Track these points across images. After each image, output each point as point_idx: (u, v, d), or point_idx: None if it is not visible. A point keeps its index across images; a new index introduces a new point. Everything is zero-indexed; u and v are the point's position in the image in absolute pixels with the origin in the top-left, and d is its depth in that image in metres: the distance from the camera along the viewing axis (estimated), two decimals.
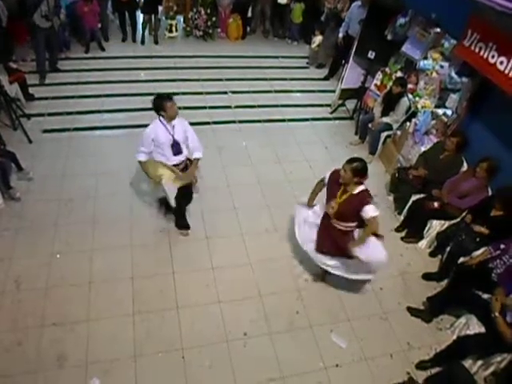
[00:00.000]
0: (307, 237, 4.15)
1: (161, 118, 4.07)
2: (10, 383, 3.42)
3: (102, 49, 8.38)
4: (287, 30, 9.97)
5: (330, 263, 4.07)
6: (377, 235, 3.84)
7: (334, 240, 3.92)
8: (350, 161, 3.63)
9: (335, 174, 3.78)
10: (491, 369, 3.77)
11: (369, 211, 3.61)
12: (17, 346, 3.65)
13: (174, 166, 4.27)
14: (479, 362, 3.76)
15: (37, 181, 5.24)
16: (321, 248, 4.03)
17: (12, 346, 3.65)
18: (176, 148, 4.19)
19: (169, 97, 4.02)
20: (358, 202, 3.66)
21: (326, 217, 3.94)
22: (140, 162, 4.24)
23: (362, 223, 3.81)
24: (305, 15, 9.30)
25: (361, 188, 3.71)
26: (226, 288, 4.34)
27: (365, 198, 3.67)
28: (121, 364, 3.62)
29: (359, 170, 3.61)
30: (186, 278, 4.38)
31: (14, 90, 6.06)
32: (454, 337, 3.99)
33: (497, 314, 3.57)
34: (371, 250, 3.79)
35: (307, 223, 4.17)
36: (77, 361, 3.60)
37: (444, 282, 4.61)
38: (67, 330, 3.80)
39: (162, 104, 3.98)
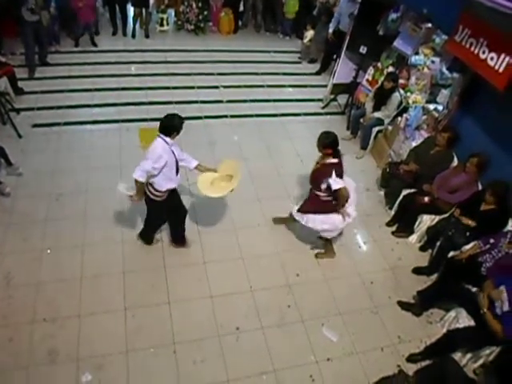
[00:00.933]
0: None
1: (167, 138, 3.76)
2: (2, 379, 3.40)
3: (95, 44, 8.26)
4: (279, 24, 9.95)
5: (313, 223, 4.38)
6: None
7: (316, 204, 4.27)
8: (320, 135, 4.00)
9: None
10: (480, 361, 3.83)
11: (332, 184, 3.90)
12: (8, 342, 3.63)
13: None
14: (468, 355, 3.81)
15: (26, 176, 5.20)
16: (303, 209, 4.42)
17: (3, 341, 3.63)
18: (177, 167, 3.98)
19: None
20: (322, 172, 4.00)
21: (311, 189, 4.32)
22: (137, 182, 3.81)
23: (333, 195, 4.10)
24: (297, 10, 9.28)
25: (331, 160, 3.98)
26: (218, 283, 4.34)
27: (328, 170, 3.92)
28: (112, 359, 3.62)
29: (327, 143, 3.94)
30: (178, 273, 4.37)
31: (2, 83, 5.99)
32: (444, 330, 4.03)
33: (485, 309, 3.62)
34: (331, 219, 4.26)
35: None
36: (68, 356, 3.59)
37: (434, 276, 4.65)
38: (58, 326, 3.79)
39: (180, 126, 3.79)
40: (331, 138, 3.95)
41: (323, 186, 4.03)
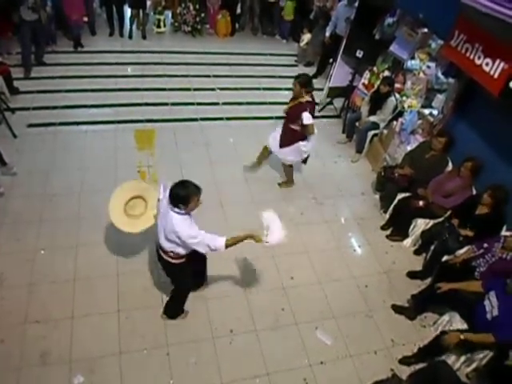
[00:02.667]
0: (274, 144, 5.28)
1: (176, 209, 3.15)
2: None
3: (81, 45, 8.08)
4: (276, 27, 9.97)
5: (280, 153, 5.25)
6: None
7: (287, 134, 5.06)
8: (297, 77, 4.75)
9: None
10: (473, 365, 3.82)
11: (304, 118, 4.70)
12: None
13: None
14: (462, 359, 3.81)
15: (21, 176, 5.17)
16: (281, 144, 5.15)
17: None
18: None
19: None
20: (300, 109, 4.73)
21: (285, 121, 5.08)
22: (226, 244, 3.32)
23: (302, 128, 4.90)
24: (295, 13, 9.30)
25: (307, 99, 4.76)
26: (212, 285, 4.33)
27: (305, 106, 4.72)
28: (105, 361, 3.60)
29: (304, 82, 4.70)
30: None
31: None
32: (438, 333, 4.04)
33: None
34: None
35: (275, 136, 5.28)
36: (61, 358, 3.57)
37: (428, 280, 4.67)
38: (51, 327, 3.77)
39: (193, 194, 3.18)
40: (309, 78, 4.79)
41: (299, 121, 4.78)
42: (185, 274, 3.58)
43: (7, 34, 7.43)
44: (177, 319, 3.98)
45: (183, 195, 3.09)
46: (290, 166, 5.47)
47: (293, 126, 4.92)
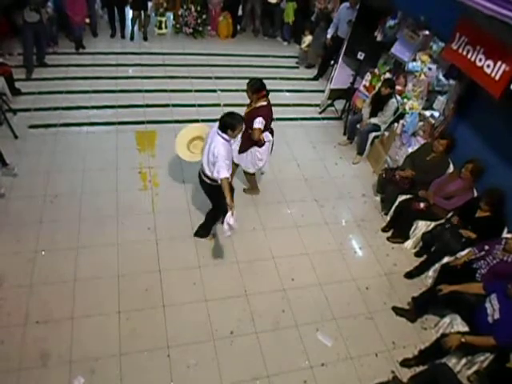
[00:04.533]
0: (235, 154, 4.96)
1: (224, 135, 3.96)
2: None
3: (82, 47, 8.13)
4: (278, 29, 9.98)
5: (241, 161, 5.08)
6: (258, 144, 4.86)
7: (244, 140, 4.85)
8: (248, 82, 4.61)
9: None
10: (474, 368, 3.82)
11: (255, 123, 4.57)
12: None
13: None
14: (463, 361, 3.81)
15: (22, 177, 5.17)
16: (241, 149, 4.97)
17: None
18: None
19: None
20: (254, 114, 4.61)
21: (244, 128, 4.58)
22: (226, 180, 3.90)
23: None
24: (296, 15, 9.31)
25: (261, 103, 4.65)
26: (213, 287, 4.33)
27: (259, 112, 4.60)
28: (106, 362, 3.59)
29: (256, 87, 4.57)
30: (173, 277, 4.36)
31: (0, 84, 5.97)
32: (438, 335, 4.03)
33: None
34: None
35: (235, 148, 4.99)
36: (61, 359, 3.57)
37: (423, 276, 4.72)
38: (51, 328, 3.76)
39: (238, 124, 4.00)
40: (260, 83, 4.59)
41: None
42: (220, 196, 4.03)
43: (9, 35, 7.44)
44: (205, 238, 4.78)
45: (232, 122, 3.90)
46: (251, 174, 5.27)
47: (250, 132, 4.70)
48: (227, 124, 3.91)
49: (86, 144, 5.88)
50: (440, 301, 4.04)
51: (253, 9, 9.58)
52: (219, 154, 3.87)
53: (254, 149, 4.90)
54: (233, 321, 4.07)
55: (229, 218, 3.89)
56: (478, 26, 4.35)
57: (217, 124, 4.00)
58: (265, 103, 4.67)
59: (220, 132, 3.95)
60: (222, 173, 3.86)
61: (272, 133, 5.00)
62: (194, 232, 4.82)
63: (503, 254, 3.93)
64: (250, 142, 4.79)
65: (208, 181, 4.22)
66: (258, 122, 4.57)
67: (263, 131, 4.72)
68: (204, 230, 4.79)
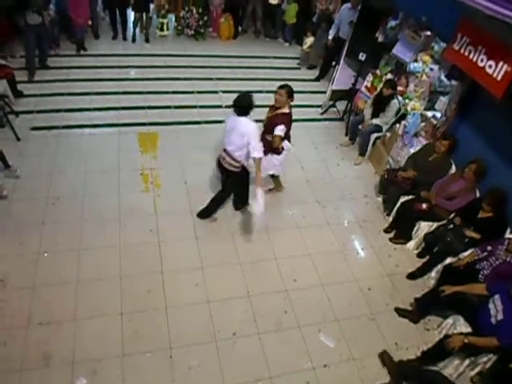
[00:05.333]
0: None
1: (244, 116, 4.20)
2: None
3: (84, 49, 8.17)
4: (279, 30, 9.99)
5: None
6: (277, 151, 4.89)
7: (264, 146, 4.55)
8: (283, 86, 4.62)
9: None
10: (477, 369, 3.81)
11: (276, 130, 4.57)
12: (2, 346, 3.60)
13: None
14: (466, 362, 3.79)
15: (24, 179, 5.18)
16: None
17: None
18: None
19: None
20: (276, 120, 4.62)
21: (262, 132, 4.73)
22: (260, 159, 4.26)
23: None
24: (297, 16, 9.32)
25: (285, 110, 4.67)
26: (215, 288, 4.33)
27: (282, 118, 4.62)
28: (108, 364, 3.60)
29: (291, 91, 4.61)
30: (175, 278, 4.36)
31: (2, 86, 5.98)
32: (441, 336, 4.02)
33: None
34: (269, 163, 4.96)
35: None
36: (63, 360, 3.57)
37: (426, 277, 4.70)
38: (54, 330, 3.76)
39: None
40: (292, 89, 4.63)
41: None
42: (235, 182, 4.53)
43: (11, 37, 7.47)
44: (205, 220, 4.99)
45: (249, 102, 4.14)
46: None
47: (268, 137, 4.71)
48: (245, 105, 4.12)
49: (88, 146, 5.89)
50: (443, 302, 4.03)
51: (254, 10, 9.59)
52: (251, 134, 4.12)
53: (272, 155, 4.91)
54: (235, 322, 4.07)
55: (260, 197, 4.20)
56: (480, 27, 4.35)
57: (232, 115, 4.24)
58: (288, 110, 4.70)
59: (242, 117, 4.17)
60: (257, 152, 4.16)
61: (289, 140, 5.00)
62: (196, 213, 4.99)
63: (506, 255, 3.92)
64: (269, 148, 4.74)
65: (234, 167, 4.43)
66: (280, 130, 4.58)
67: (283, 139, 4.73)
68: (207, 212, 4.94)
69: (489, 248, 4.10)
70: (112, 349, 3.70)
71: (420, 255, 5.00)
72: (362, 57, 6.41)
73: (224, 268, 4.55)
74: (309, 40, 8.68)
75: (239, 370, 3.70)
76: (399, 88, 6.08)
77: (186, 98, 7.23)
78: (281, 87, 4.61)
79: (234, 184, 4.73)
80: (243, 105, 4.13)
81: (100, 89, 7.09)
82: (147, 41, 8.90)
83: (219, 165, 4.59)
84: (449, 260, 4.49)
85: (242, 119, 4.15)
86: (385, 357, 3.88)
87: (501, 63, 4.13)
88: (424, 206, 4.84)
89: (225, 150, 4.44)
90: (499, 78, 4.16)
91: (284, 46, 9.89)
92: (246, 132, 4.13)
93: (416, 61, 5.95)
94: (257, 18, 9.75)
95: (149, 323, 3.93)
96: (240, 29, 9.96)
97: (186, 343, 3.83)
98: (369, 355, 3.97)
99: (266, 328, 4.07)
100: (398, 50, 6.21)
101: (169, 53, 8.61)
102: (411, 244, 5.12)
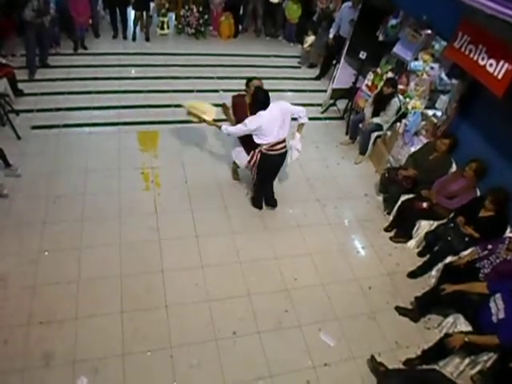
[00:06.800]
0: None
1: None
2: None
3: (84, 47, 8.21)
4: (279, 29, 9.98)
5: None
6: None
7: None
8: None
9: (239, 98, 5.07)
10: (478, 367, 3.81)
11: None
12: (2, 345, 3.60)
13: None
14: (466, 361, 3.79)
15: (25, 177, 5.18)
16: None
17: None
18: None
19: None
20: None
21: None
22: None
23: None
24: (298, 15, 9.32)
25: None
26: (216, 287, 4.33)
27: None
28: (109, 362, 3.60)
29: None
30: (175, 277, 4.36)
31: (2, 85, 5.98)
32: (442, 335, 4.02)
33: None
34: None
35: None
36: (64, 359, 3.57)
37: (427, 276, 4.71)
38: (54, 329, 3.77)
39: None
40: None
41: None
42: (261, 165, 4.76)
43: (11, 36, 7.47)
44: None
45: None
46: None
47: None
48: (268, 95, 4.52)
49: (89, 145, 5.89)
50: (443, 300, 4.03)
51: (254, 9, 9.58)
52: (289, 105, 4.60)
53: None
54: (235, 321, 4.07)
55: (297, 142, 4.81)
56: (480, 25, 4.34)
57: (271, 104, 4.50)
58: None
59: (274, 102, 4.53)
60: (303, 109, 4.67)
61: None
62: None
63: (506, 254, 3.92)
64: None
65: (286, 148, 4.76)
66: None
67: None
68: (257, 201, 5.29)
69: (489, 247, 4.10)
70: (113, 347, 3.70)
71: (420, 254, 5.00)
72: (362, 55, 6.40)
73: (224, 267, 4.55)
74: (309, 39, 8.66)
75: (239, 369, 3.71)
76: (400, 87, 6.07)
77: (186, 97, 7.20)
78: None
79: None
80: (268, 96, 4.49)
81: (100, 87, 7.10)
82: (147, 39, 8.90)
83: (278, 158, 4.78)
84: (449, 259, 4.49)
85: (278, 102, 4.56)
86: (373, 363, 3.83)
87: (502, 62, 4.12)
88: (424, 204, 4.84)
89: (279, 142, 4.62)
90: (500, 76, 4.15)
91: (284, 44, 9.87)
92: (287, 107, 4.58)
93: (416, 59, 5.93)
94: (257, 16, 9.74)
95: (149, 322, 3.94)
96: (240, 27, 9.95)
97: (186, 342, 3.83)
98: (369, 354, 3.96)
99: (267, 327, 4.07)
100: (399, 49, 6.20)
101: (169, 51, 8.60)
102: (412, 243, 5.12)
